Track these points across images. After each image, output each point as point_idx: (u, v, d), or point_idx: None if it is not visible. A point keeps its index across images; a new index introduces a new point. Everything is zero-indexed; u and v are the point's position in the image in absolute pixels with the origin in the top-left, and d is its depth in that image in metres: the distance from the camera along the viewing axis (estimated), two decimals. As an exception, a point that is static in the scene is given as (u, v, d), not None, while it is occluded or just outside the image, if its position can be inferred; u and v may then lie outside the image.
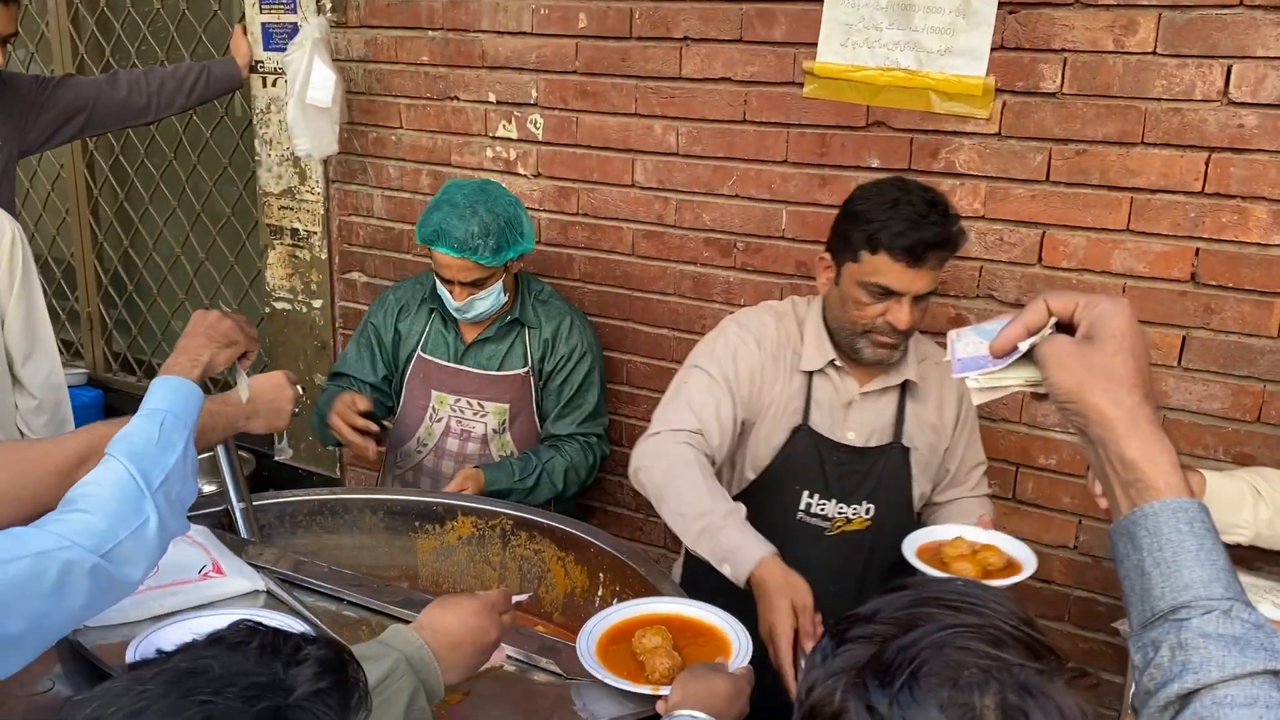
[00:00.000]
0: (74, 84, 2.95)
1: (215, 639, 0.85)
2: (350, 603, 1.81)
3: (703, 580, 1.96)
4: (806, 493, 2.10)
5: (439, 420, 2.66)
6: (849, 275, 1.97)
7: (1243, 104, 2.10)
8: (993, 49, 2.29)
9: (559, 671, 1.64)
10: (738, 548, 1.75)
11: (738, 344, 2.08)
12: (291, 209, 3.36)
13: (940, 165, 2.41)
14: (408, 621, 1.44)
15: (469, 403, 2.63)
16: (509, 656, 1.67)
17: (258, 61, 3.25)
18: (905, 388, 2.10)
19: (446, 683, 1.35)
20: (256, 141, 3.38)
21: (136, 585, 1.39)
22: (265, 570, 1.83)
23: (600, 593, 2.08)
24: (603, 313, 2.92)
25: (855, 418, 2.09)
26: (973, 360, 1.09)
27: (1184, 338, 2.26)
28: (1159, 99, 2.17)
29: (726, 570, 1.75)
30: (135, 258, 4.08)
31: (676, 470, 1.88)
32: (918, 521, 2.18)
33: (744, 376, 2.06)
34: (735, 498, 2.08)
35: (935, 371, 2.13)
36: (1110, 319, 0.99)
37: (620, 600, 1.99)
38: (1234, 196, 2.15)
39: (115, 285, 4.16)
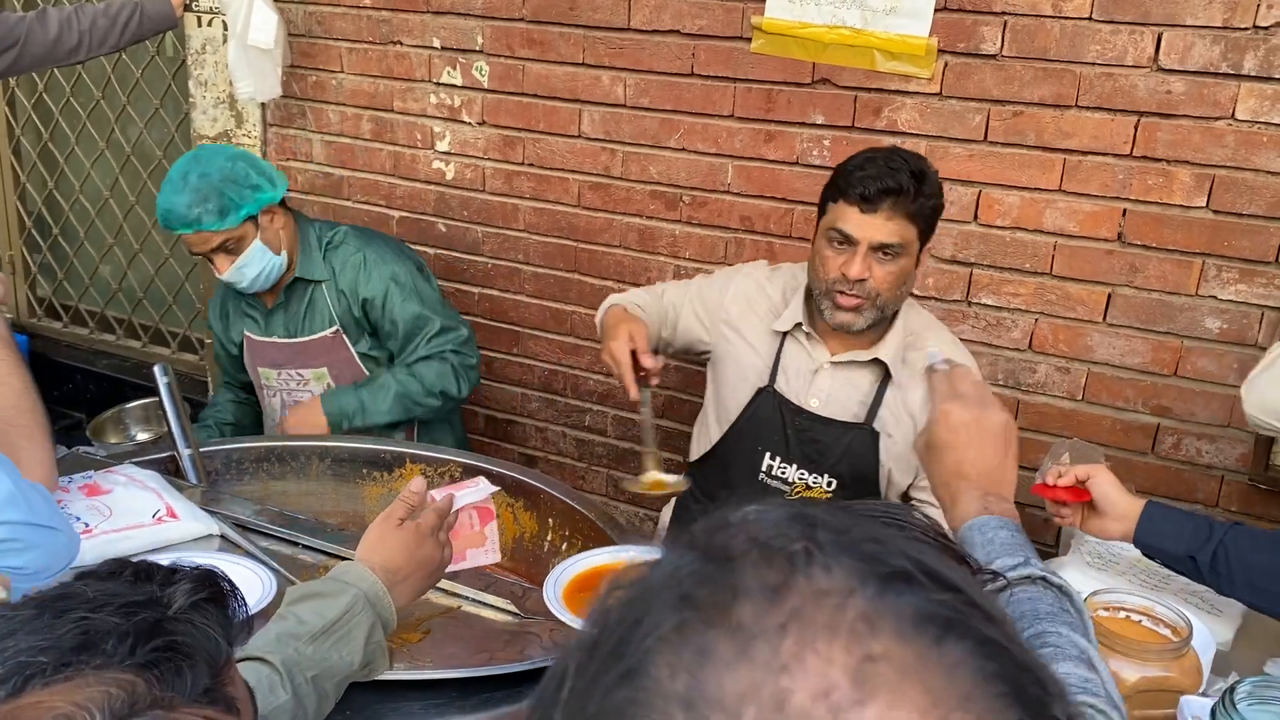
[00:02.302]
0: (0, 20, 2.84)
1: (84, 573, 0.85)
2: (305, 546, 1.83)
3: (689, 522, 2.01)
4: (769, 454, 2.12)
5: (274, 395, 2.66)
6: (819, 230, 2.01)
7: (1171, 70, 2.19)
8: (936, 10, 2.34)
9: (516, 611, 1.68)
10: (610, 305, 2.20)
11: (719, 278, 2.26)
12: (228, 153, 3.29)
13: (883, 123, 2.46)
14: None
15: (290, 374, 2.61)
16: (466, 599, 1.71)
17: (192, 0, 3.16)
18: (886, 373, 2.07)
19: (398, 611, 1.37)
20: (191, 83, 3.30)
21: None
22: (218, 515, 1.84)
23: (550, 538, 2.13)
24: (548, 264, 2.94)
25: (821, 385, 2.09)
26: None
27: (1109, 295, 2.36)
28: (1093, 64, 2.25)
29: (597, 322, 2.19)
30: (60, 200, 3.96)
31: (622, 294, 2.31)
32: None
33: (707, 297, 2.21)
34: (705, 455, 2.21)
35: (927, 361, 2.11)
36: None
37: (569, 545, 2.05)
38: (1160, 160, 2.25)
39: (39, 228, 4.03)
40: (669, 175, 2.72)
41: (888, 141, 2.45)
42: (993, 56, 2.33)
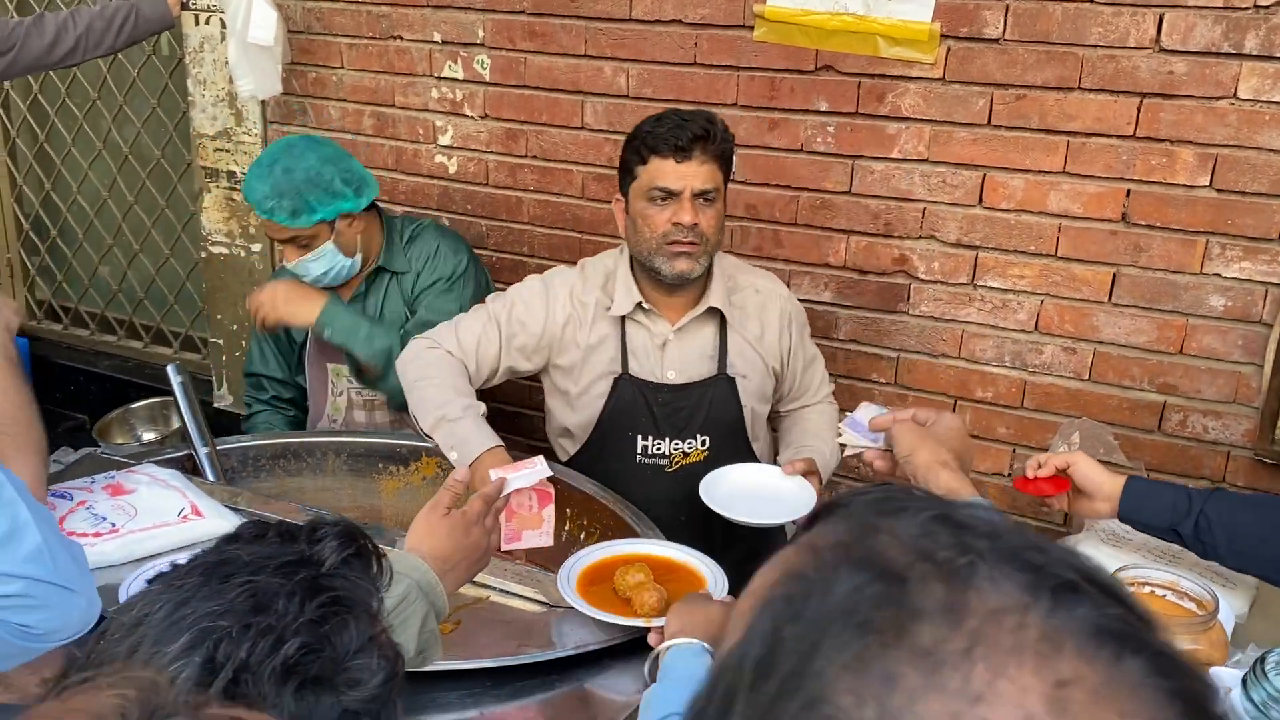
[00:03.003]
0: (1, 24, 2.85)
1: (231, 538, 0.87)
2: (331, 541, 1.84)
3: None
4: (640, 436, 2.17)
5: (340, 394, 2.62)
6: (634, 197, 2.07)
7: (1173, 51, 2.21)
8: (938, -5, 2.36)
9: (544, 600, 1.70)
10: (467, 439, 1.97)
11: (529, 294, 2.19)
12: (228, 151, 3.29)
13: (886, 109, 2.48)
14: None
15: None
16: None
17: (189, -2, 3.16)
18: (723, 322, 2.14)
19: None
20: (189, 82, 3.29)
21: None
22: (243, 512, 1.85)
23: (568, 527, 2.14)
24: (553, 255, 2.95)
25: (672, 356, 2.15)
26: (855, 425, 1.78)
27: (1114, 275, 2.38)
28: (1095, 46, 2.27)
29: (454, 457, 1.96)
30: (58, 201, 3.95)
31: (428, 370, 2.09)
32: (766, 442, 2.31)
33: (526, 323, 2.15)
34: (577, 452, 2.23)
35: (755, 299, 2.20)
36: (944, 419, 1.71)
37: (588, 534, 2.06)
38: (1163, 140, 2.27)
39: (37, 230, 4.02)
40: (673, 165, 2.73)
41: (894, 128, 2.47)
42: (995, 40, 2.34)
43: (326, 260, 2.42)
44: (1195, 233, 2.29)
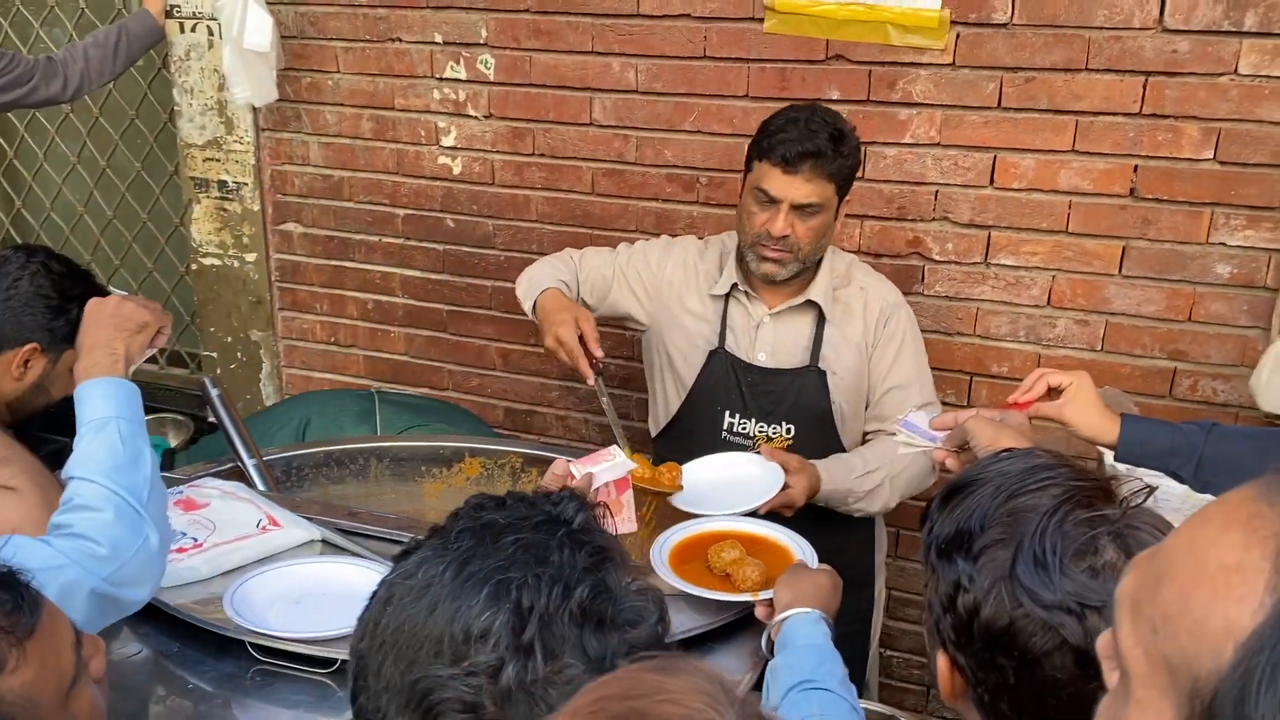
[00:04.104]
0: (21, 60, 2.84)
1: (477, 506, 0.90)
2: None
3: None
4: (728, 413, 2.22)
5: None
6: (746, 187, 2.11)
7: (1176, 31, 2.30)
8: (947, -18, 2.42)
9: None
10: (538, 284, 2.21)
11: (651, 246, 2.32)
12: (218, 160, 3.24)
13: (898, 95, 2.54)
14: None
15: None
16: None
17: (173, 6, 3.10)
18: (821, 314, 2.17)
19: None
20: (175, 91, 3.23)
21: (142, 604, 1.38)
22: (316, 520, 1.84)
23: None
24: (562, 252, 2.96)
25: (765, 339, 2.20)
26: (910, 427, 1.74)
27: (1124, 248, 2.48)
28: (1101, 28, 2.35)
29: (527, 306, 2.21)
30: (30, 219, 3.84)
31: (539, 267, 2.34)
32: (859, 441, 2.29)
33: (643, 271, 2.27)
34: (668, 424, 2.30)
35: (860, 296, 2.21)
36: (1012, 415, 1.66)
37: (645, 526, 2.08)
38: (1168, 117, 2.36)
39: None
40: (684, 158, 2.76)
41: (905, 114, 2.53)
42: (1003, 25, 2.42)
43: None
44: (1201, 204, 2.39)
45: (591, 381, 2.07)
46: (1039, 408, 1.65)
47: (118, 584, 1.31)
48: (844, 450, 2.21)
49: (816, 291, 2.17)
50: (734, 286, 2.19)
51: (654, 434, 2.37)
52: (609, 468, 1.69)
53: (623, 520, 1.74)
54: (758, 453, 2.08)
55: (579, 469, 1.69)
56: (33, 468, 1.61)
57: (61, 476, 1.41)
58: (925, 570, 1.03)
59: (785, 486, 1.93)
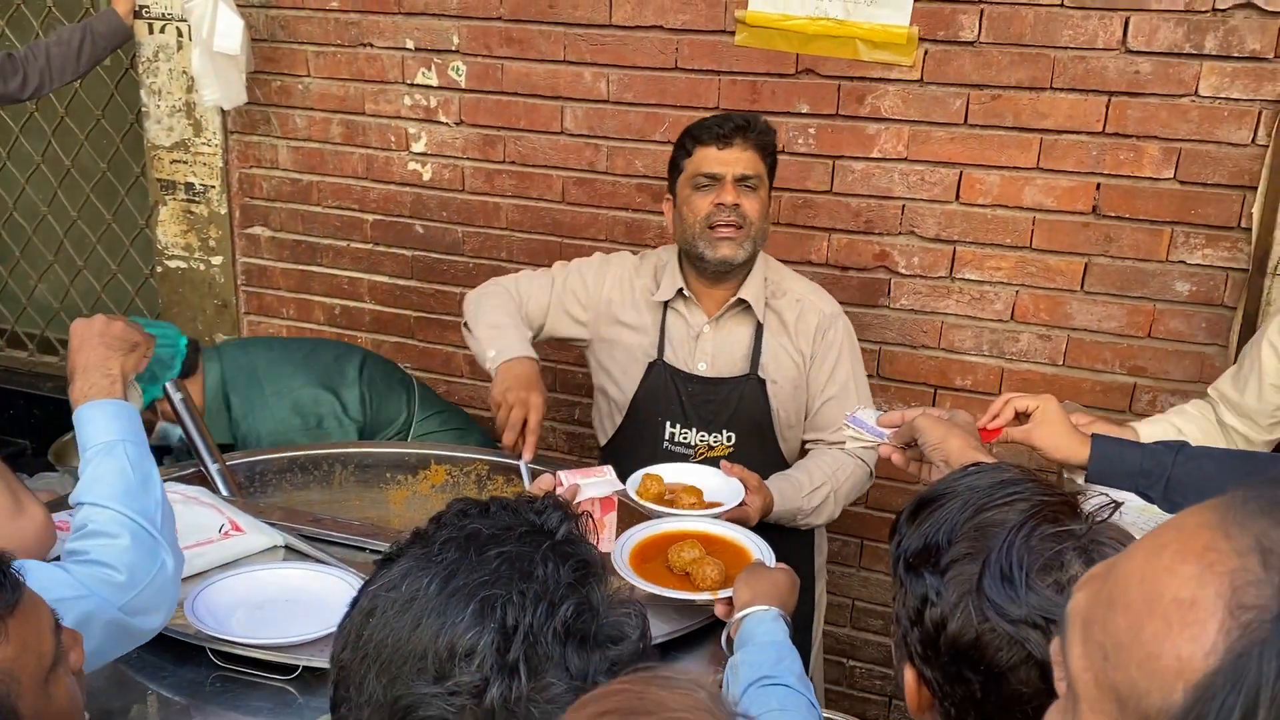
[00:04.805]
0: None
1: (461, 514, 0.90)
2: (372, 551, 1.83)
3: None
4: (668, 423, 2.25)
5: None
6: (681, 188, 2.19)
7: (1139, 52, 2.35)
8: (916, 0, 2.45)
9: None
10: (509, 345, 2.15)
11: (586, 266, 2.34)
12: (185, 162, 3.21)
13: (866, 110, 2.57)
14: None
15: None
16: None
17: (142, 7, 3.07)
18: (760, 326, 2.20)
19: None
20: (143, 92, 3.20)
21: (154, 634, 1.37)
22: (279, 525, 1.82)
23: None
24: (533, 260, 2.95)
25: (705, 349, 2.24)
26: (857, 422, 1.76)
27: (1086, 264, 2.52)
28: (1066, 48, 2.39)
29: (491, 355, 2.15)
30: (-10, 218, 3.79)
31: (490, 298, 2.30)
32: (797, 449, 2.33)
33: (576, 291, 2.31)
34: (613, 435, 2.33)
35: (795, 307, 2.24)
36: (959, 413, 1.64)
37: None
38: (1130, 136, 2.40)
39: (-33, 249, 3.85)
40: (655, 168, 2.77)
41: (873, 128, 2.56)
42: (971, 43, 2.45)
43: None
44: (1161, 223, 2.43)
45: (528, 458, 2.05)
46: (1008, 433, 1.67)
47: (133, 612, 1.29)
48: (783, 458, 2.26)
49: (749, 291, 2.20)
50: (677, 293, 2.22)
51: (602, 443, 2.41)
52: (597, 483, 1.71)
53: (603, 540, 1.74)
54: (699, 465, 2.12)
55: (567, 478, 1.70)
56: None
57: (70, 501, 1.39)
58: (894, 583, 1.04)
59: (742, 503, 1.96)
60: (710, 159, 2.13)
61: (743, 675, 1.39)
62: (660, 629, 1.65)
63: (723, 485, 2.00)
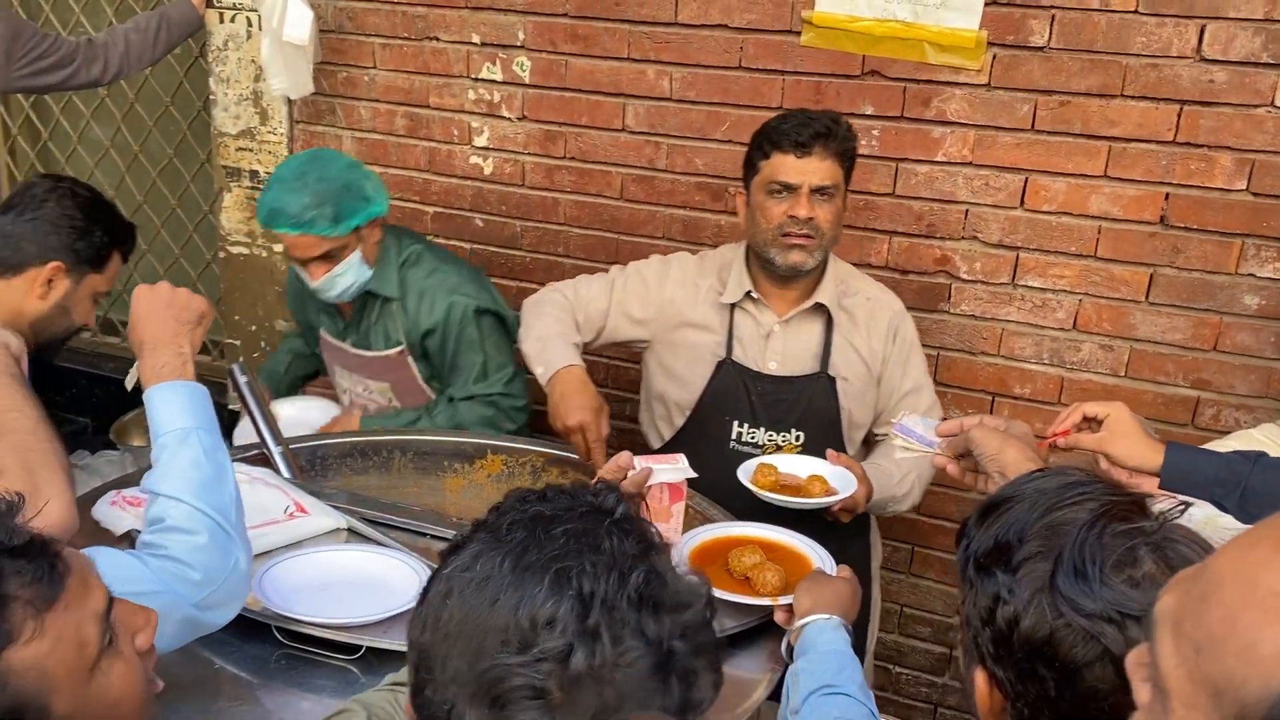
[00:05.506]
0: (64, 43, 2.89)
1: (520, 499, 0.91)
2: (434, 536, 1.86)
3: None
4: (736, 423, 2.24)
5: (344, 394, 2.69)
6: (755, 190, 2.16)
7: (1214, 61, 2.31)
8: (985, 4, 2.43)
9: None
10: (554, 358, 2.15)
11: (647, 268, 2.34)
12: (251, 150, 3.27)
13: (932, 113, 2.55)
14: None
15: (357, 379, 2.62)
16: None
17: (214, -4, 3.13)
18: (830, 322, 2.21)
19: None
20: (211, 80, 3.25)
21: (222, 625, 1.37)
22: (342, 509, 1.85)
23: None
24: (589, 256, 2.97)
25: (776, 347, 2.23)
26: (907, 431, 1.73)
27: (1152, 274, 2.48)
28: (1138, 55, 2.36)
29: (539, 371, 2.15)
30: (59, 201, 3.87)
31: (544, 308, 2.30)
32: (860, 446, 2.34)
33: (638, 293, 2.30)
34: (674, 435, 2.31)
35: (865, 306, 2.26)
36: (1016, 424, 1.63)
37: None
38: (1202, 146, 2.37)
39: (36, 230, 3.94)
40: (715, 167, 2.78)
41: (938, 132, 2.54)
42: (1040, 48, 2.43)
43: (352, 272, 2.40)
44: (1231, 235, 2.39)
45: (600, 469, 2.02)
46: (1078, 439, 1.65)
47: (206, 608, 1.30)
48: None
49: (825, 294, 2.21)
50: (745, 295, 2.21)
51: (655, 446, 2.38)
52: (669, 470, 1.71)
53: (668, 529, 1.75)
54: (800, 456, 2.12)
55: (640, 462, 1.71)
56: (24, 445, 1.52)
57: (141, 488, 1.39)
58: (962, 587, 1.04)
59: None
60: (787, 167, 2.09)
61: (803, 684, 1.39)
62: (717, 629, 1.65)
63: (833, 474, 2.01)
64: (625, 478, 1.63)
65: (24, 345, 1.86)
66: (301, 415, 2.58)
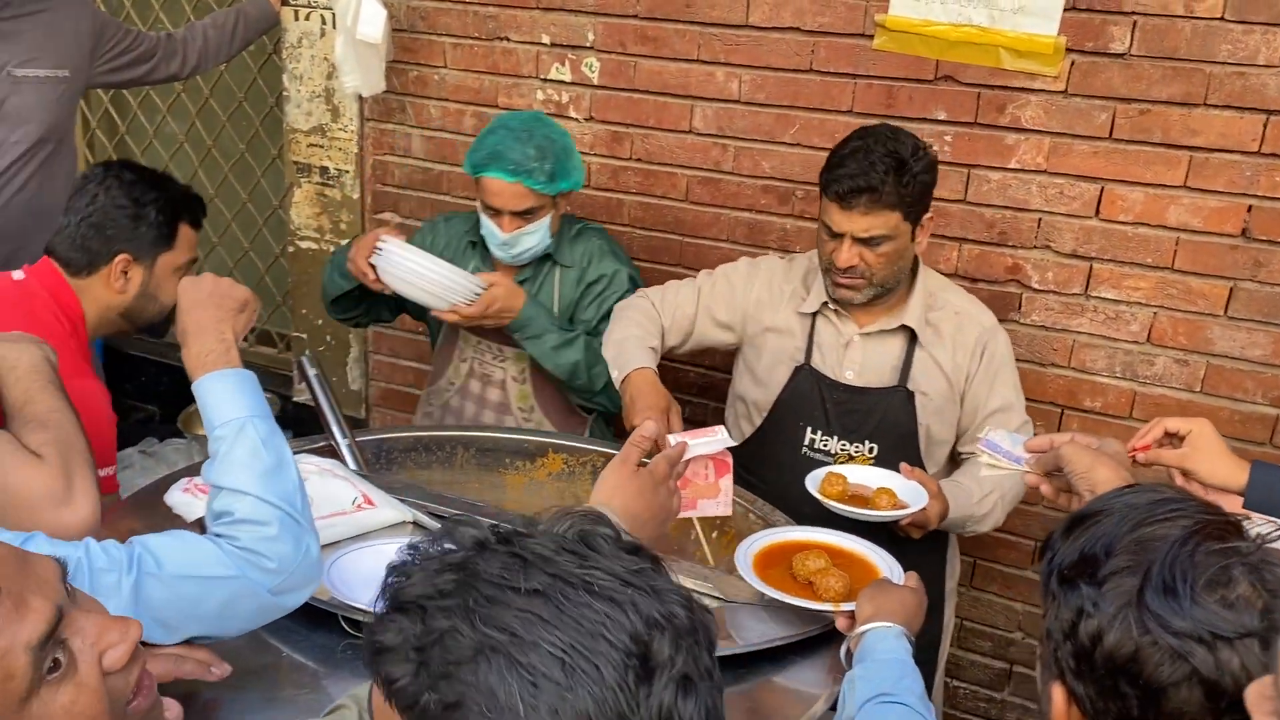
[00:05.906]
0: (145, 38, 2.97)
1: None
2: (496, 533, 1.86)
3: None
4: (810, 429, 2.23)
5: (464, 360, 2.64)
6: (819, 216, 2.14)
7: (1303, 70, 2.25)
8: (1064, 9, 2.39)
9: (719, 596, 1.72)
10: (628, 360, 2.14)
11: (734, 271, 2.33)
12: (322, 147, 3.31)
13: (1006, 120, 2.51)
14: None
15: (489, 346, 2.59)
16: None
17: (290, -6, 3.18)
18: (913, 337, 2.19)
19: None
20: (285, 76, 3.31)
21: (297, 606, 1.38)
22: (408, 502, 1.86)
23: (698, 525, 2.16)
24: (652, 258, 2.97)
25: (854, 357, 2.21)
26: (993, 447, 1.70)
27: (1231, 288, 2.42)
28: (1223, 63, 2.30)
29: (614, 375, 2.16)
30: (134, 193, 3.96)
31: (629, 314, 2.30)
32: (943, 464, 2.29)
33: (727, 296, 2.30)
34: (750, 436, 2.30)
35: (953, 320, 2.22)
36: (1109, 442, 1.60)
37: (718, 532, 2.08)
38: (1289, 157, 2.30)
39: (111, 221, 4.04)
40: (782, 170, 2.76)
41: (1012, 139, 2.50)
42: (1121, 55, 2.38)
43: (540, 234, 2.43)
44: (1317, 249, 2.32)
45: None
46: (1159, 455, 1.61)
47: (280, 592, 1.31)
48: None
49: (911, 316, 2.18)
50: (824, 305, 2.20)
51: (736, 444, 2.37)
52: (707, 443, 1.67)
53: (717, 503, 1.72)
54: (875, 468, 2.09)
55: (676, 438, 1.68)
56: (64, 442, 1.54)
57: (202, 479, 1.40)
58: (1044, 600, 1.01)
59: (924, 507, 1.93)
60: (833, 214, 2.06)
61: (860, 690, 1.37)
62: (778, 633, 1.64)
63: (903, 488, 1.98)
64: (655, 449, 1.52)
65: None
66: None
